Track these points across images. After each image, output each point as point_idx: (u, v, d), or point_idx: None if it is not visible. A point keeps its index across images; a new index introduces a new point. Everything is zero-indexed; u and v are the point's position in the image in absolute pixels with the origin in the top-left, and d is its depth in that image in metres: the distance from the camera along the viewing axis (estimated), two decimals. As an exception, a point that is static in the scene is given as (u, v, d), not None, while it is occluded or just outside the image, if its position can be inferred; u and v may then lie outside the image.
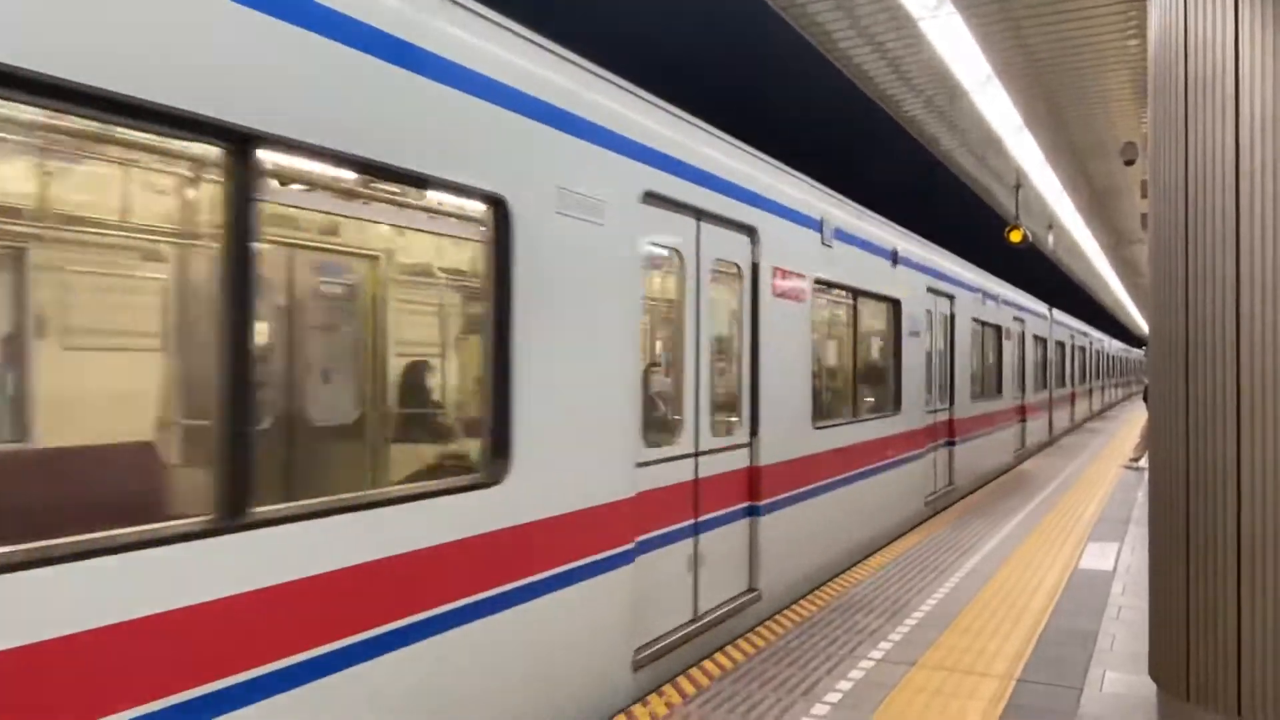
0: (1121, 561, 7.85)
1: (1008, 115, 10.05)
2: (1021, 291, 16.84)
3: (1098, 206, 16.85)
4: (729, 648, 5.47)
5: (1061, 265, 26.69)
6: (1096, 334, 33.24)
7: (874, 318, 9.27)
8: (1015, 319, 15.93)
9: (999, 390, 14.68)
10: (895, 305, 9.51)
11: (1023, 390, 16.53)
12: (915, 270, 10.16)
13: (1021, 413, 16.27)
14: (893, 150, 21.13)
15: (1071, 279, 31.47)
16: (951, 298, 11.84)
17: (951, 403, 11.77)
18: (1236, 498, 3.78)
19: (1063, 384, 22.73)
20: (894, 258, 9.39)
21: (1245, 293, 3.76)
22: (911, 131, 11.20)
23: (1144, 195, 4.84)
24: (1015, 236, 14.81)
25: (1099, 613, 6.23)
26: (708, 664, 5.18)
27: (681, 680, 4.91)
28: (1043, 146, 11.65)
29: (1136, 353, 54.81)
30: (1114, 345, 42.59)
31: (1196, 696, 3.89)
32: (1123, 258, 24.78)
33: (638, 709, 4.50)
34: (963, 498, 11.80)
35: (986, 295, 13.71)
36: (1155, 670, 4.21)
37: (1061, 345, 22.21)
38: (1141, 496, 11.34)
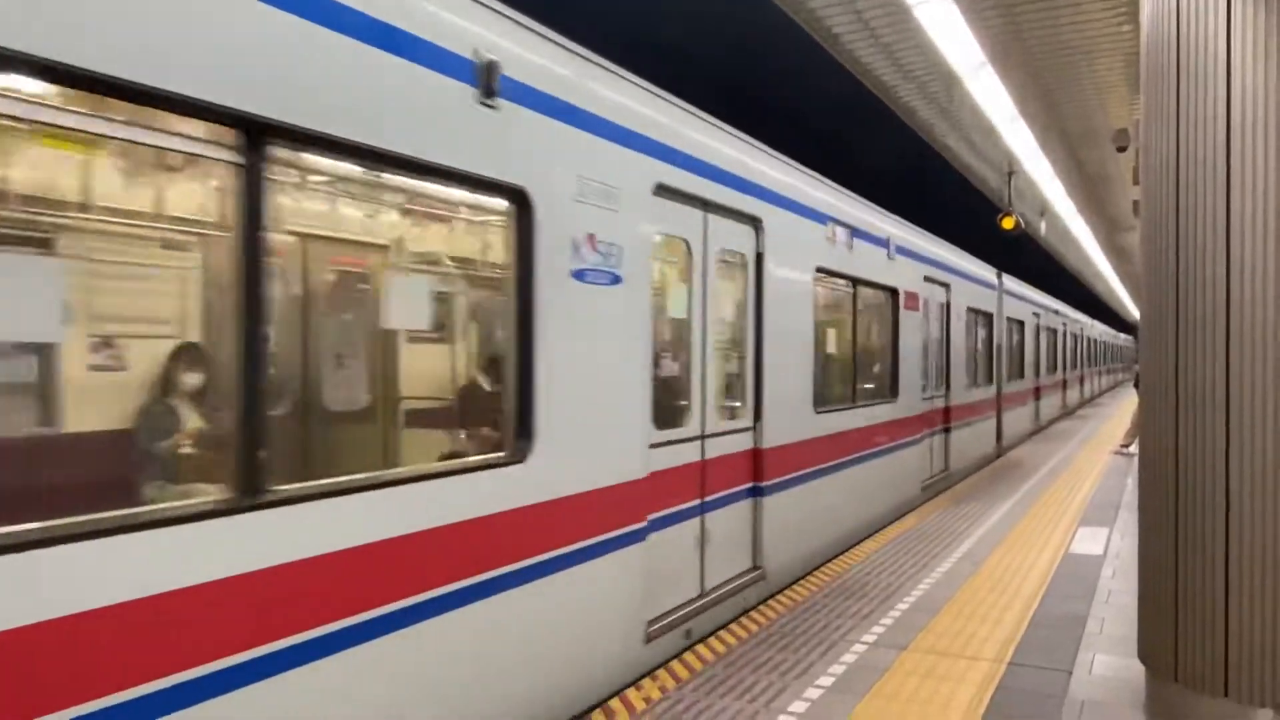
0: (1111, 546, 7.91)
1: (1001, 102, 10.05)
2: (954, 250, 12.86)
3: (1090, 193, 16.88)
4: (723, 631, 5.51)
5: (1054, 252, 26.75)
6: (1076, 315, 29.24)
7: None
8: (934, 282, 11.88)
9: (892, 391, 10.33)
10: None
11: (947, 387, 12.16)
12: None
13: (946, 417, 12.03)
14: (887, 137, 21.12)
15: (1064, 266, 31.55)
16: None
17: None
18: (1225, 483, 3.81)
19: (1020, 376, 18.18)
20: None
21: (1235, 278, 3.78)
22: (905, 119, 11.19)
23: (1136, 182, 4.86)
24: (1008, 223, 14.84)
25: (1089, 597, 6.28)
26: (701, 649, 5.21)
27: (675, 664, 4.95)
28: (1035, 133, 11.66)
29: (1124, 338, 54.30)
30: (1099, 329, 38.81)
31: (1184, 678, 3.94)
32: (1115, 245, 24.84)
33: (646, 682, 4.54)
34: (957, 483, 11.87)
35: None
36: (1144, 653, 4.26)
37: (1021, 325, 18.14)
38: (1131, 482, 11.40)
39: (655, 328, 5.24)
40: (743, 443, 6.30)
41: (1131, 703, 4.38)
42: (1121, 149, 11.41)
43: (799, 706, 4.37)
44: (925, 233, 11.32)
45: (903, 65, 9.10)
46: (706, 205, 5.76)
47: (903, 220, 10.31)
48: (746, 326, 6.37)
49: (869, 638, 5.40)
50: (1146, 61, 4.20)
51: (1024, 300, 18.26)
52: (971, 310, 13.39)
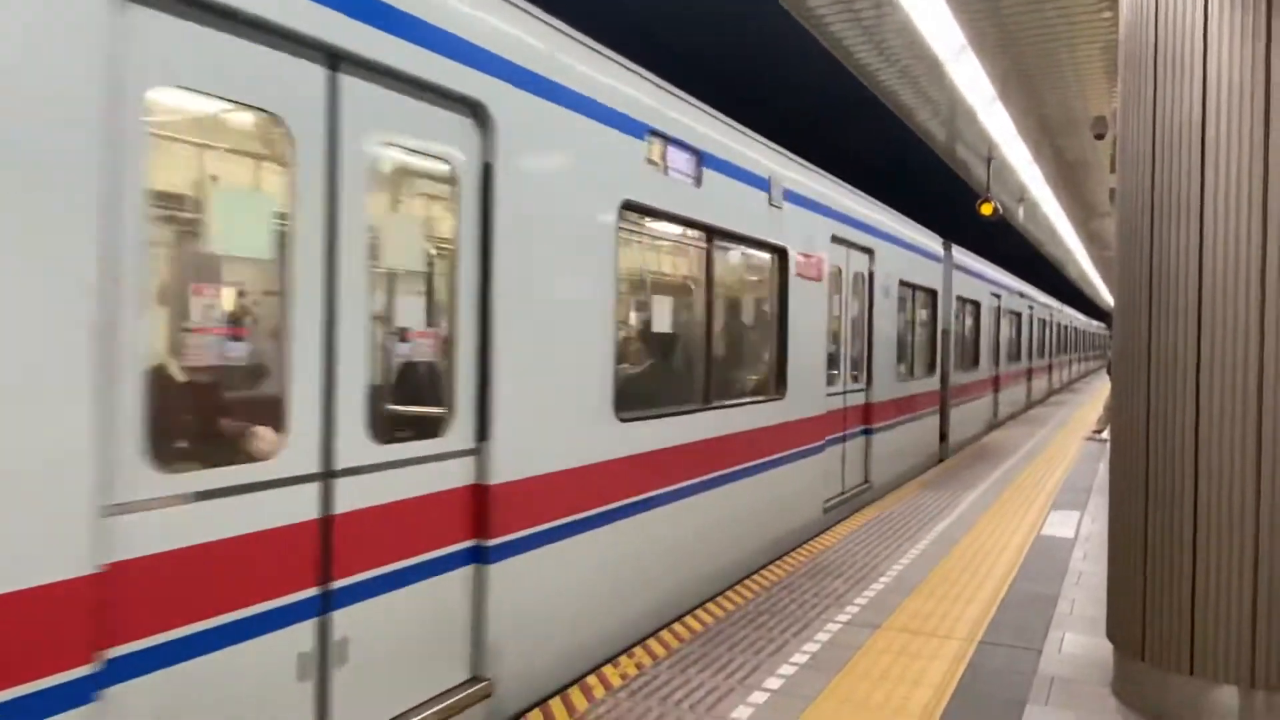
0: (1083, 529, 8.02)
1: (981, 87, 10.08)
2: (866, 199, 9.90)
3: (1068, 179, 17.00)
4: (699, 610, 5.55)
5: (1031, 238, 26.95)
6: (1046, 299, 26.19)
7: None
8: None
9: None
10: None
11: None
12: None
13: (866, 416, 9.66)
14: (867, 121, 21.13)
15: (1041, 252, 31.80)
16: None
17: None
18: (1194, 468, 3.87)
19: (975, 365, 15.59)
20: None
21: (1208, 264, 3.83)
22: (886, 102, 11.21)
23: (1113, 170, 4.90)
24: (986, 209, 14.94)
25: (1060, 578, 6.37)
26: (677, 626, 5.25)
27: (651, 642, 4.98)
28: (1014, 119, 11.71)
29: (1096, 325, 53.52)
30: (1070, 315, 35.53)
31: (1151, 656, 4.01)
32: (1090, 231, 25.06)
33: (624, 659, 4.57)
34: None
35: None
36: (1113, 632, 4.33)
37: (977, 306, 15.51)
38: (1103, 467, 11.56)
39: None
40: (443, 479, 3.86)
41: (1100, 680, 4.46)
42: (1099, 136, 11.51)
43: (773, 683, 4.41)
44: (839, 182, 8.82)
45: (884, 48, 9.10)
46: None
47: (801, 161, 7.76)
48: (461, 283, 3.91)
49: (843, 617, 5.45)
50: (1125, 48, 4.23)
51: (980, 278, 15.64)
52: (907, 285, 10.98)
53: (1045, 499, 9.51)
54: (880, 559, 6.85)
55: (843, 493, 8.85)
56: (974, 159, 15.04)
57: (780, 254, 7.29)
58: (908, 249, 11.08)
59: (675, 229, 6.23)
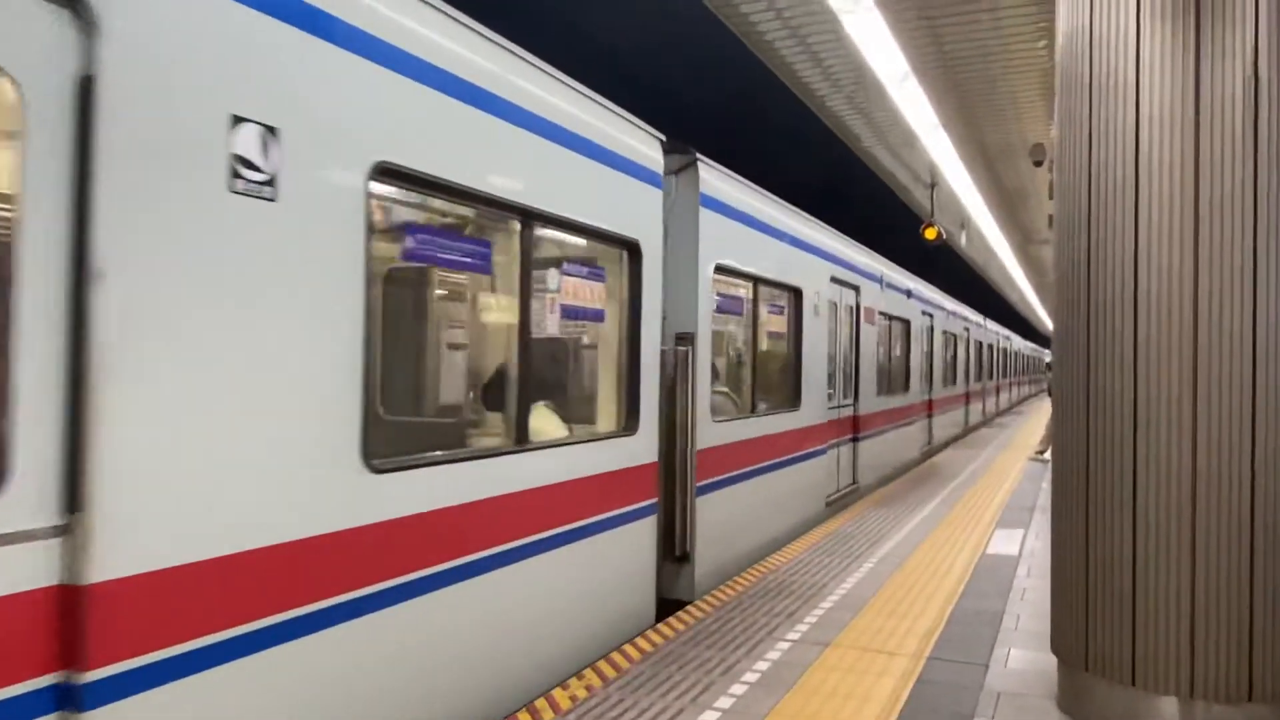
0: (1026, 546, 8.15)
1: (924, 114, 10.31)
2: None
3: (1008, 206, 17.44)
4: (649, 631, 5.51)
5: (975, 264, 27.54)
6: (982, 320, 24.29)
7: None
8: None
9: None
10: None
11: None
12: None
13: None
14: (813, 146, 21.45)
15: (984, 279, 32.51)
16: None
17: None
18: (1132, 487, 3.96)
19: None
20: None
21: (1143, 289, 3.93)
22: (832, 126, 11.41)
23: (1051, 196, 5.03)
24: (930, 234, 15.25)
25: (1005, 594, 6.46)
26: (628, 648, 5.20)
27: (601, 664, 4.93)
28: (956, 145, 12.00)
29: (1030, 347, 53.14)
30: (1009, 336, 33.20)
31: (1094, 668, 4.07)
32: (1030, 256, 25.69)
33: (573, 681, 4.50)
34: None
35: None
36: (1057, 645, 4.39)
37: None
38: (1046, 486, 11.78)
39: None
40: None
41: (1045, 693, 4.51)
42: (1038, 163, 11.84)
43: (724, 703, 4.39)
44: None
45: (831, 74, 9.27)
46: None
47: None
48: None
49: (794, 635, 5.45)
50: (1061, 74, 4.34)
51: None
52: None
53: (990, 518, 9.65)
54: (830, 576, 6.88)
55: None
56: (916, 184, 15.36)
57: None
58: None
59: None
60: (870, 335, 11.79)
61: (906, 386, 14.27)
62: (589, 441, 5.27)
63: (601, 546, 5.28)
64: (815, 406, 9.37)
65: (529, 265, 4.68)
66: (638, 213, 5.66)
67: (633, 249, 5.60)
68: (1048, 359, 35.65)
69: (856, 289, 11.12)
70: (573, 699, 4.42)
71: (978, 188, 14.92)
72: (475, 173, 4.20)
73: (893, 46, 8.10)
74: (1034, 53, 8.53)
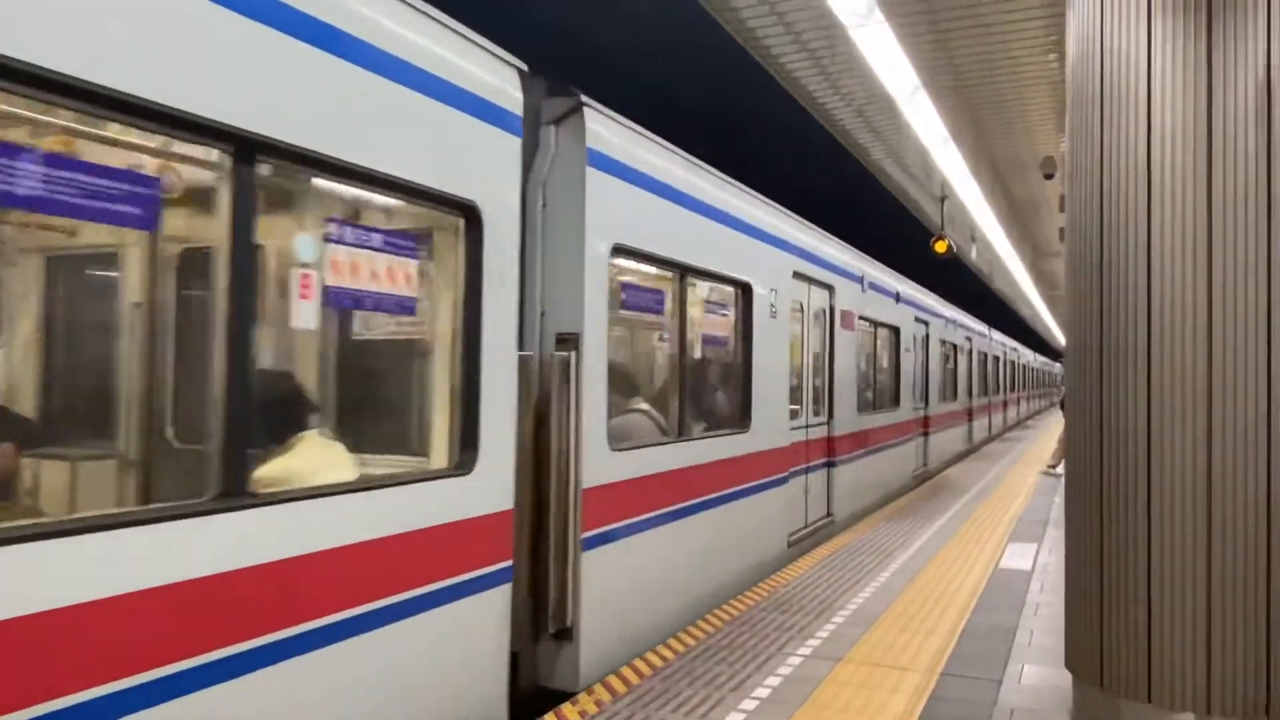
0: (1040, 561, 8.09)
1: (934, 127, 10.32)
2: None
3: (1018, 219, 17.41)
4: (660, 646, 5.48)
5: (984, 277, 27.48)
6: (988, 331, 22.83)
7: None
8: None
9: None
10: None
11: None
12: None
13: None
14: (822, 159, 21.47)
15: (994, 291, 32.43)
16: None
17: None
18: (1147, 502, 3.93)
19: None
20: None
21: (1156, 304, 3.91)
22: (842, 141, 11.43)
23: (1062, 209, 5.02)
24: (940, 247, 15.23)
25: (1018, 609, 6.41)
26: (638, 662, 5.18)
27: (611, 679, 4.91)
28: (967, 159, 11.99)
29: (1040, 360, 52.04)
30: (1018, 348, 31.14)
31: (1110, 685, 4.03)
32: (1041, 270, 25.61)
33: (583, 697, 4.48)
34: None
35: None
36: (1071, 661, 4.35)
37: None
38: (1059, 500, 11.71)
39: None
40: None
41: (1059, 710, 4.47)
42: (1048, 176, 11.83)
43: (735, 718, 4.36)
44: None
45: (840, 88, 9.29)
46: None
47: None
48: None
49: (805, 650, 5.42)
50: (1072, 87, 4.34)
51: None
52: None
53: (1003, 532, 9.59)
54: (841, 591, 6.84)
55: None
56: (927, 198, 15.35)
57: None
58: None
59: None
60: (848, 343, 10.15)
61: (896, 402, 12.76)
62: (377, 488, 3.57)
63: (398, 640, 3.57)
64: (772, 426, 7.84)
65: (248, 219, 2.97)
66: (474, 165, 4.08)
67: (469, 214, 4.00)
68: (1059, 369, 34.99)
69: (830, 288, 9.56)
70: (582, 714, 4.40)
71: (988, 200, 14.90)
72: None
73: (902, 60, 8.11)
74: (1044, 66, 8.53)
